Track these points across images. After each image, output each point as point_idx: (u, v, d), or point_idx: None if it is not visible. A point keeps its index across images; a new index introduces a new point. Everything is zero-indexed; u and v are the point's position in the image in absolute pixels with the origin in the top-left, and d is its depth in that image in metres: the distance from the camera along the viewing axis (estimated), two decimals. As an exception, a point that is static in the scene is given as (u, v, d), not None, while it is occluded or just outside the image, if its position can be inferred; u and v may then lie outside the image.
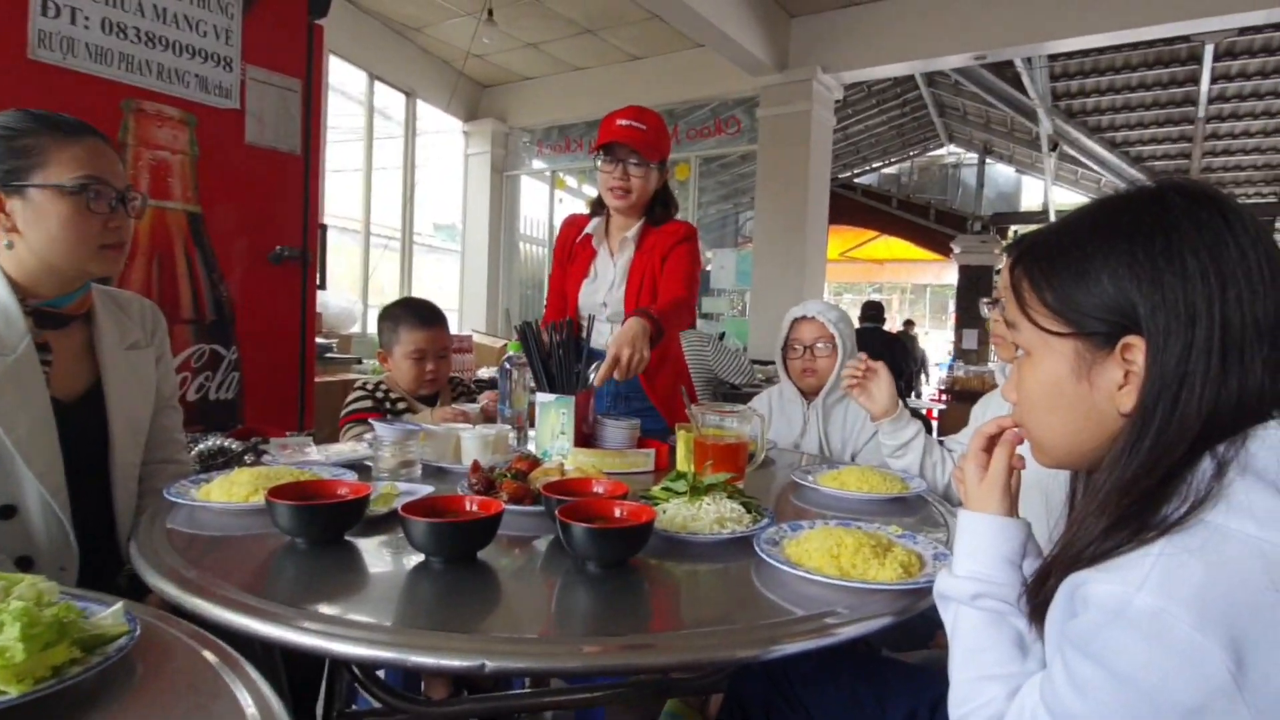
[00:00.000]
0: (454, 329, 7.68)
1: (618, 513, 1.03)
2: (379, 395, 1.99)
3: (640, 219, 2.02)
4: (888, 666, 1.11)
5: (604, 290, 2.02)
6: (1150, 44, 6.53)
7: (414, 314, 2.00)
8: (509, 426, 1.64)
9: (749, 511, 1.16)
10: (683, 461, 1.57)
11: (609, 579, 0.96)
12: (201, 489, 1.22)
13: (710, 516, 1.10)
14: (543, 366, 1.63)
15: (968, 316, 10.10)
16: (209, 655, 0.73)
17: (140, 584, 0.95)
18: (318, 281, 2.63)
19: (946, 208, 11.92)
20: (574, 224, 2.12)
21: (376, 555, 1.03)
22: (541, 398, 1.59)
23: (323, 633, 0.78)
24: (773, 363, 2.37)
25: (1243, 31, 6.09)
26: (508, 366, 1.70)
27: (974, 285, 10.14)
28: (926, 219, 11.69)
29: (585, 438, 1.64)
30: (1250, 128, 8.35)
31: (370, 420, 1.42)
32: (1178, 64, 7.14)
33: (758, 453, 1.52)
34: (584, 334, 1.67)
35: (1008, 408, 0.82)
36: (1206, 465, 0.61)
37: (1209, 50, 6.46)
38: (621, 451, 1.58)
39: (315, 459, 1.46)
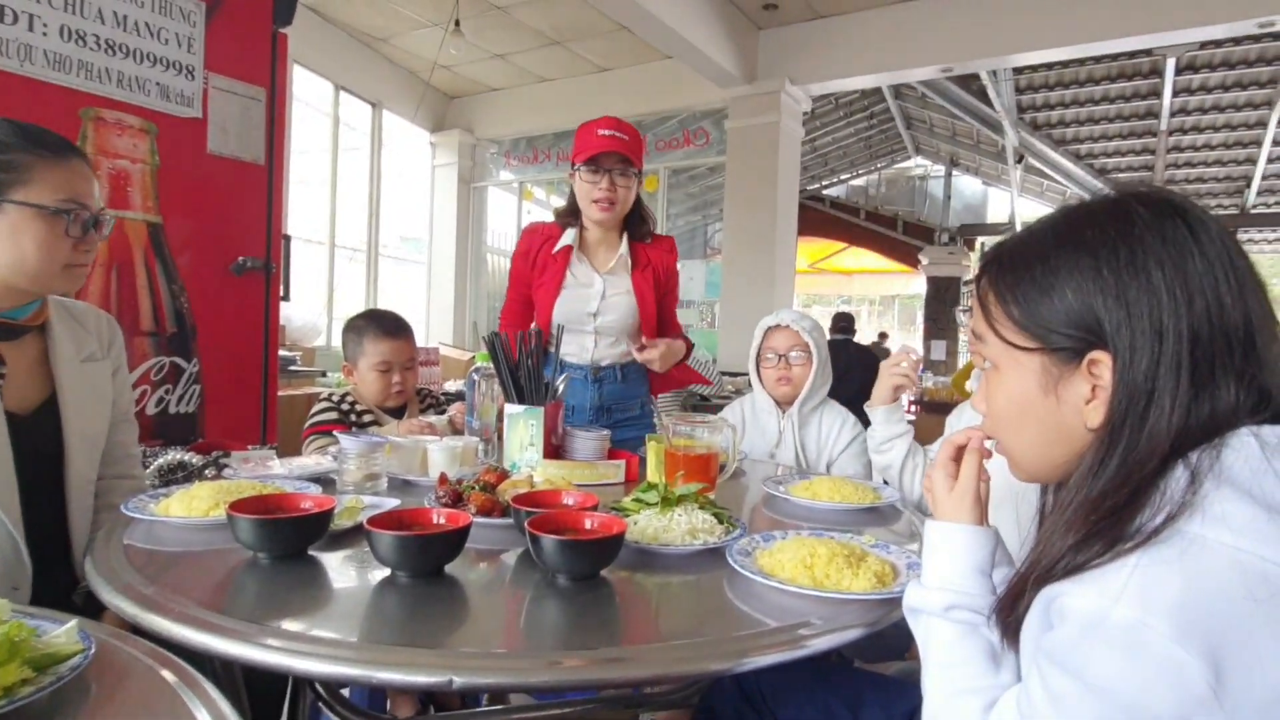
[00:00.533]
0: (421, 341, 7.60)
1: (588, 524, 1.02)
2: (344, 408, 1.95)
3: (621, 231, 2.02)
4: (861, 679, 1.11)
5: (594, 300, 1.98)
6: (1113, 57, 6.73)
7: (378, 325, 1.96)
8: (477, 438, 1.62)
9: (721, 522, 1.15)
10: (653, 473, 1.56)
11: (579, 592, 0.95)
12: (160, 503, 1.18)
13: (682, 528, 1.10)
14: (511, 377, 1.62)
15: (936, 327, 10.26)
16: (167, 674, 0.71)
17: (96, 602, 0.92)
18: (281, 293, 2.58)
19: (914, 219, 12.13)
20: (539, 233, 2.06)
21: (341, 570, 1.01)
22: (510, 409, 1.58)
23: (285, 650, 0.76)
24: (743, 374, 2.39)
25: (1203, 46, 6.29)
26: (475, 378, 1.68)
27: (942, 296, 10.31)
28: (894, 230, 11.89)
29: (554, 449, 1.62)
30: (1211, 140, 8.62)
31: (334, 433, 1.39)
32: (1140, 77, 7.36)
33: (729, 463, 1.52)
34: (554, 345, 1.66)
35: (980, 418, 0.83)
36: (1180, 473, 0.61)
37: (1170, 64, 6.66)
38: (591, 463, 1.57)
39: (278, 472, 1.43)
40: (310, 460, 1.52)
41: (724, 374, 4.73)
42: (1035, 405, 0.71)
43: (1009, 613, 0.70)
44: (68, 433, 1.26)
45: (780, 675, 1.08)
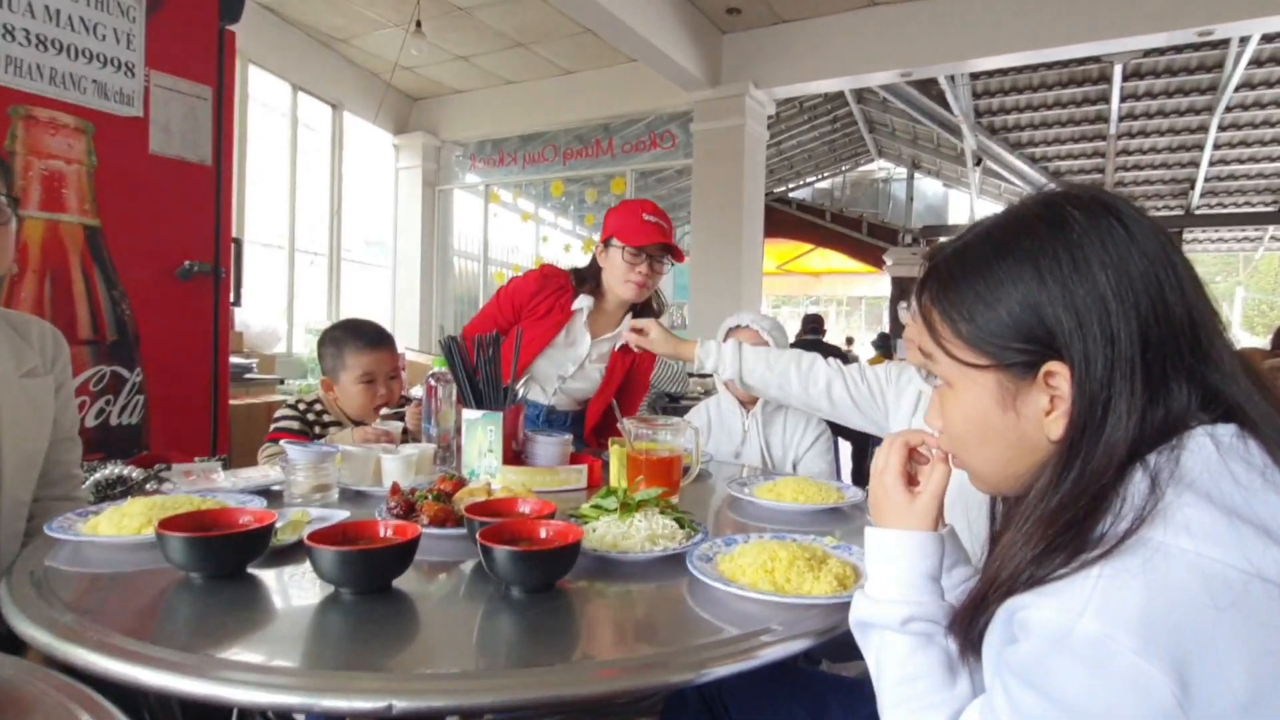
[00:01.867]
0: (387, 346, 7.47)
1: (543, 533, 0.98)
2: (310, 417, 1.88)
3: (627, 310, 2.09)
4: (825, 682, 1.09)
5: (570, 364, 2.05)
6: (1065, 64, 6.88)
7: (360, 336, 1.88)
8: (432, 446, 1.57)
9: (682, 527, 1.12)
10: (616, 477, 1.52)
11: (535, 604, 0.91)
12: (89, 522, 1.12)
13: (641, 534, 1.06)
14: (469, 382, 1.57)
15: (901, 327, 10.39)
16: (83, 714, 0.65)
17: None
18: (233, 298, 2.50)
19: (879, 221, 12.29)
20: (554, 279, 2.05)
21: (282, 589, 0.96)
22: (468, 414, 1.53)
23: (219, 679, 0.70)
24: (711, 375, 2.37)
25: (1147, 53, 6.47)
26: (432, 383, 1.63)
27: (906, 295, 10.42)
28: (859, 232, 12.02)
29: (515, 455, 1.58)
30: (1157, 144, 8.87)
31: (283, 443, 1.34)
32: (1090, 83, 7.55)
33: (693, 466, 1.49)
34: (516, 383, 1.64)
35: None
36: (1139, 478, 0.59)
37: (1118, 70, 6.84)
38: (552, 469, 1.53)
39: (222, 486, 1.36)
40: (257, 472, 1.45)
41: (693, 375, 4.71)
42: (994, 422, 0.69)
43: (968, 626, 0.68)
44: (2, 451, 1.19)
45: (742, 682, 1.05)
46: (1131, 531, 0.57)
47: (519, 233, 8.16)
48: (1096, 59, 6.63)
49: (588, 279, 2.03)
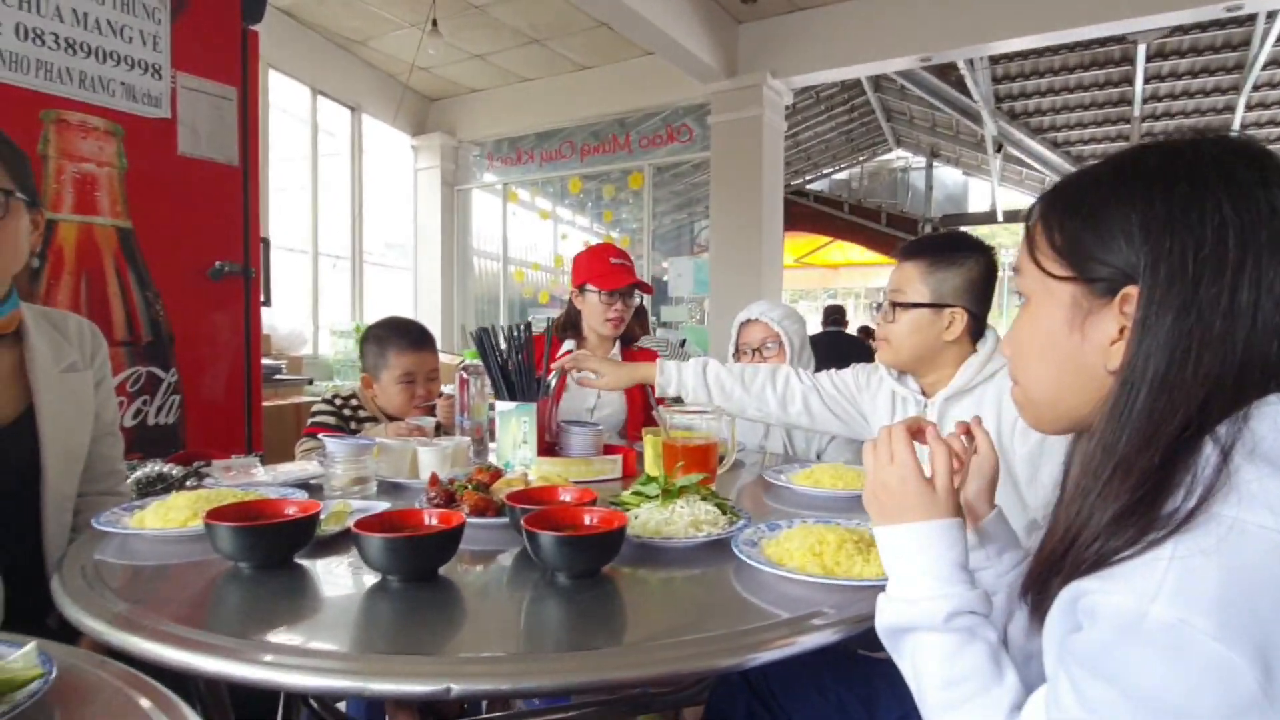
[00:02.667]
0: (409, 346, 7.52)
1: (587, 520, 0.98)
2: (345, 412, 1.91)
3: (614, 340, 2.25)
4: (872, 669, 1.07)
5: (591, 399, 2.18)
6: (1086, 45, 6.76)
7: (403, 337, 1.90)
8: (468, 438, 1.57)
9: (724, 513, 1.11)
10: (651, 466, 1.51)
11: (581, 590, 0.90)
12: (135, 516, 1.13)
13: (684, 520, 1.05)
14: (501, 373, 1.56)
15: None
16: (141, 699, 0.65)
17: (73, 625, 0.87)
18: (262, 298, 2.52)
19: (898, 211, 12.17)
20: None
21: (330, 577, 0.96)
22: (501, 406, 1.52)
23: (272, 664, 0.71)
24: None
25: (1172, 32, 6.33)
26: (464, 375, 1.63)
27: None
28: (878, 223, 11.91)
29: (548, 446, 1.57)
30: (1183, 125, 8.69)
31: (322, 436, 1.34)
32: (1112, 64, 7.41)
33: (728, 453, 1.48)
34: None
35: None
36: (1209, 451, 0.56)
37: (1141, 50, 6.70)
38: (587, 459, 1.52)
39: (262, 480, 1.37)
40: (295, 466, 1.46)
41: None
42: (1059, 340, 0.66)
43: (1042, 588, 0.64)
44: (45, 446, 1.20)
45: (789, 670, 1.03)
46: (1202, 507, 0.54)
47: (538, 231, 8.17)
48: (1120, 39, 6.50)
49: (569, 325, 2.24)
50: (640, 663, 0.73)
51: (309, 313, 6.44)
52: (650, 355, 2.28)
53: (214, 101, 2.35)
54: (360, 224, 7.13)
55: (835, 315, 5.84)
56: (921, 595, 0.71)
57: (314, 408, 1.92)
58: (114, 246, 2.14)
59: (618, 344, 2.26)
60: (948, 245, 1.45)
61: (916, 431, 0.80)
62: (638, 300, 2.19)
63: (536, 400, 1.51)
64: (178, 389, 2.26)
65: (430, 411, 2.02)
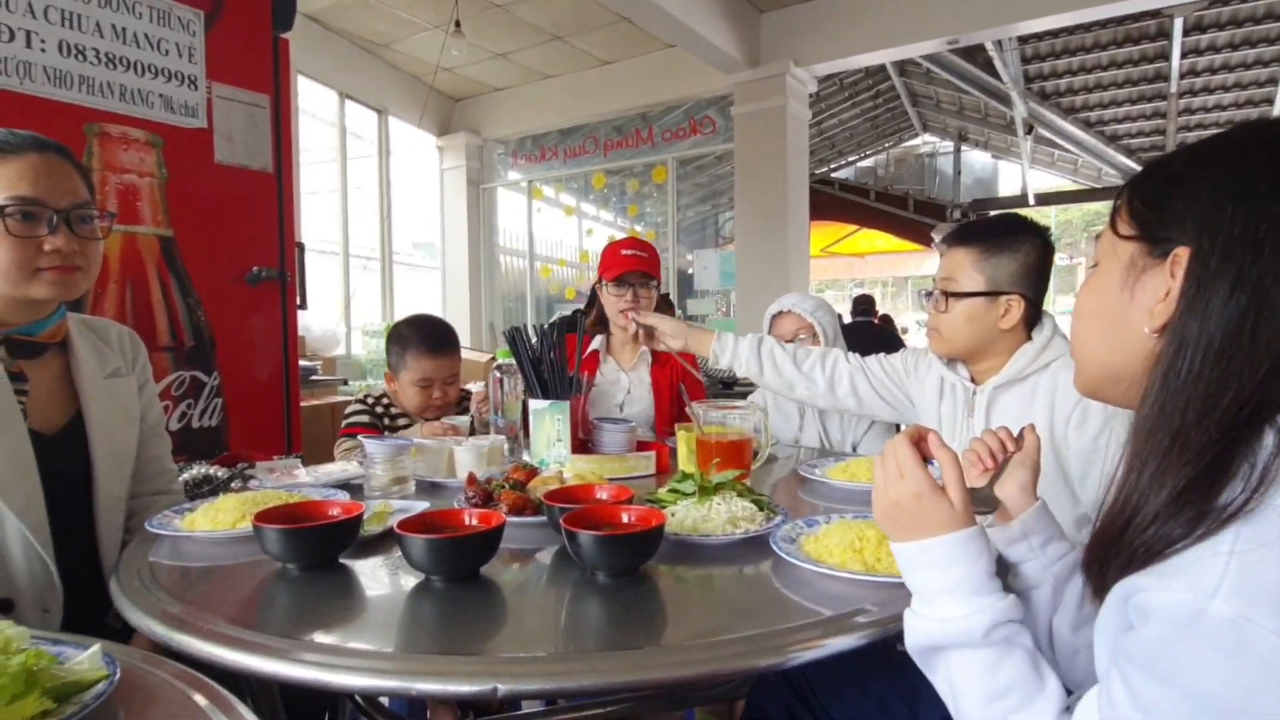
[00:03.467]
0: (440, 345, 7.60)
1: (626, 518, 0.98)
2: (378, 410, 1.95)
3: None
4: (912, 666, 1.06)
5: (620, 395, 2.17)
6: (1119, 21, 6.58)
7: (423, 341, 1.91)
8: (503, 437, 1.58)
9: (761, 509, 1.11)
10: (685, 462, 1.52)
11: (620, 589, 0.91)
12: (186, 518, 1.16)
13: (722, 517, 1.06)
14: (534, 372, 1.58)
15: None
16: (198, 697, 0.68)
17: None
18: (298, 301, 2.56)
19: (925, 197, 11.98)
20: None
21: (373, 577, 0.98)
22: (535, 405, 1.54)
23: (321, 664, 0.73)
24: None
25: (1211, 3, 6.14)
26: (498, 374, 1.64)
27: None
28: (905, 210, 11.75)
29: (582, 443, 1.59)
30: (1223, 100, 8.43)
31: (360, 437, 1.37)
32: (1147, 40, 7.20)
33: (762, 448, 1.48)
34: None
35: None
36: (1269, 440, 0.55)
37: (1178, 24, 6.50)
38: (621, 455, 1.53)
39: (304, 480, 1.40)
40: (336, 467, 1.49)
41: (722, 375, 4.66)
42: (1110, 298, 0.66)
43: (1100, 568, 0.62)
44: (95, 451, 1.23)
45: (829, 666, 1.03)
46: (1258, 495, 0.53)
47: (563, 227, 8.20)
48: (1155, 13, 6.30)
49: (600, 321, 2.23)
50: (682, 662, 0.74)
51: (341, 313, 6.54)
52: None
53: (248, 110, 2.39)
54: (389, 225, 7.22)
55: (865, 305, 5.77)
56: (956, 613, 0.69)
57: (348, 408, 1.96)
58: (156, 255, 2.19)
59: (642, 348, 2.19)
60: (1002, 229, 1.39)
61: (918, 440, 0.77)
62: (655, 291, 2.14)
63: (570, 398, 1.52)
64: (220, 392, 2.32)
65: (463, 410, 2.05)
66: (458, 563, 0.91)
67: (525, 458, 1.59)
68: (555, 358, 1.57)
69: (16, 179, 1.12)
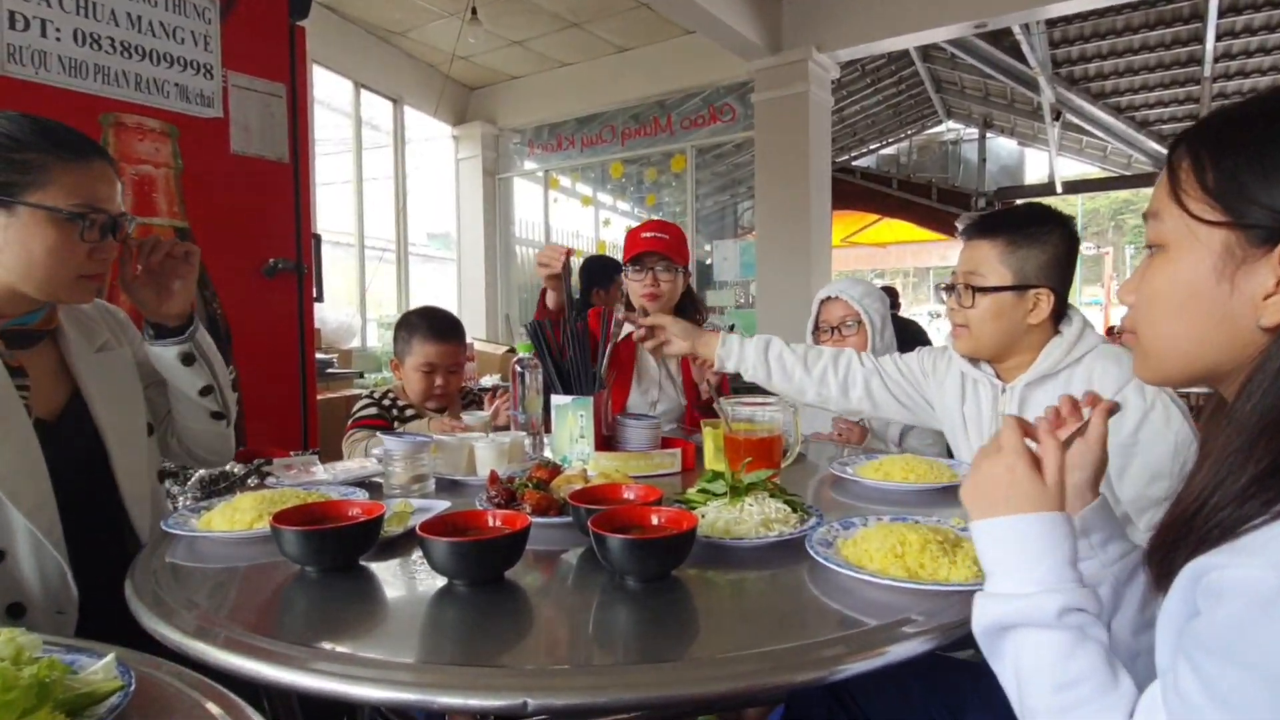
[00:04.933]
0: (457, 336, 7.60)
1: (655, 520, 0.94)
2: (385, 403, 1.95)
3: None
4: (956, 672, 1.02)
5: (654, 390, 2.10)
6: (1151, 2, 6.41)
7: (429, 327, 1.95)
8: (524, 433, 1.55)
9: (795, 510, 1.07)
10: (712, 460, 1.48)
11: (650, 595, 0.87)
12: (202, 518, 1.13)
13: (755, 519, 1.01)
14: (556, 367, 1.54)
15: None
16: (213, 708, 0.65)
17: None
18: (315, 294, 2.54)
19: (949, 186, 11.80)
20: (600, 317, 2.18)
21: (394, 581, 0.95)
22: (557, 400, 1.50)
23: (339, 674, 0.69)
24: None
25: (1249, -17, 5.96)
26: (519, 369, 1.61)
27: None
28: (929, 199, 11.57)
29: (605, 440, 1.55)
30: (1259, 84, 8.19)
31: (379, 433, 1.34)
32: (1180, 22, 7.01)
33: (792, 446, 1.43)
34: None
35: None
36: None
37: (1213, 5, 6.32)
38: (646, 453, 1.49)
39: (322, 478, 1.37)
40: (355, 464, 1.46)
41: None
42: (1203, 292, 0.60)
43: (1165, 556, 0.59)
44: (102, 426, 1.20)
45: (871, 674, 0.99)
46: None
47: (580, 217, 8.16)
48: (1188, -6, 6.15)
49: (627, 308, 2.11)
50: (720, 676, 0.70)
51: (356, 306, 6.54)
52: (713, 335, 2.24)
53: (264, 99, 2.36)
54: (404, 215, 7.21)
55: (890, 298, 5.67)
56: (1030, 589, 0.66)
57: (358, 403, 1.97)
58: (172, 247, 2.17)
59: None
60: (1028, 220, 1.34)
61: (1027, 430, 0.75)
62: (679, 276, 2.04)
63: (594, 394, 1.48)
64: (236, 386, 2.29)
65: (477, 404, 2.04)
66: (482, 566, 0.87)
67: (547, 454, 1.55)
68: (578, 353, 1.53)
69: (85, 186, 1.12)
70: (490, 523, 0.94)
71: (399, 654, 0.75)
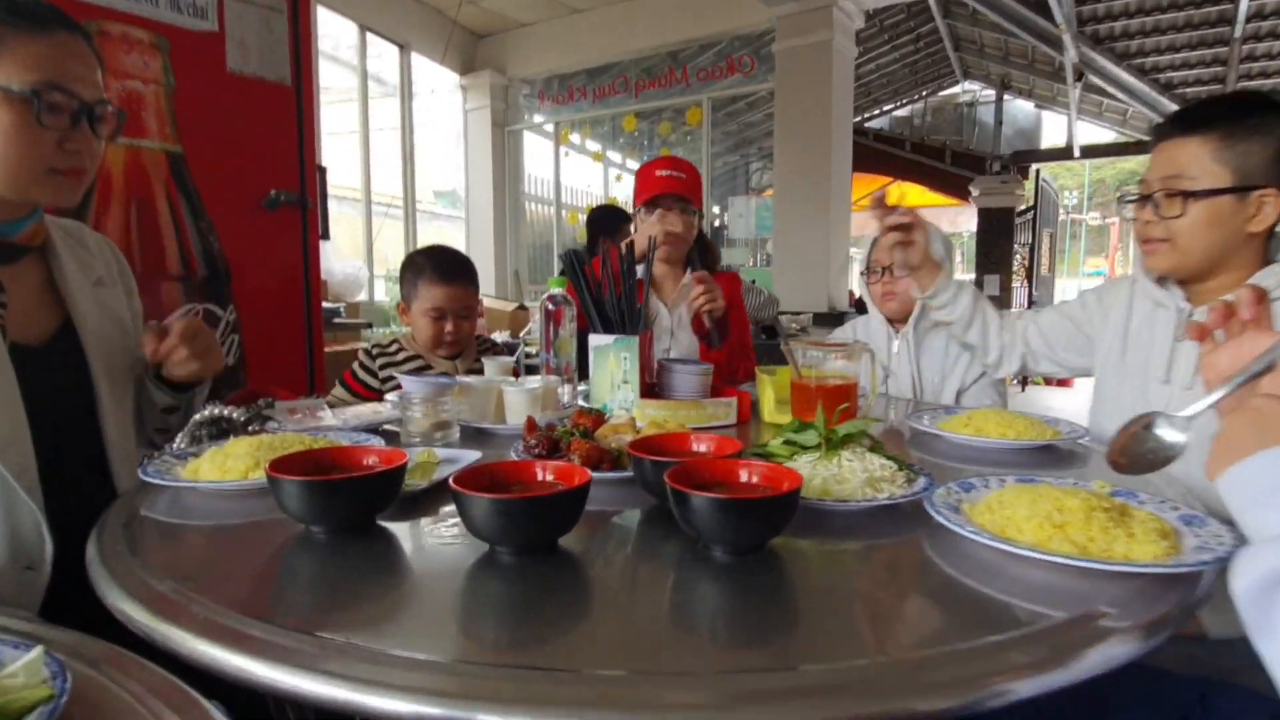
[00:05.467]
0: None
1: (746, 476, 0.76)
2: (375, 351, 1.79)
3: (685, 266, 1.96)
4: (1177, 686, 0.83)
5: (665, 337, 1.96)
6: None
7: (435, 268, 1.76)
8: (556, 378, 1.36)
9: (900, 468, 0.88)
10: (772, 413, 1.29)
11: (745, 571, 0.69)
12: (189, 465, 0.95)
13: (859, 477, 0.83)
14: (595, 303, 1.35)
15: (988, 262, 9.76)
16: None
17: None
18: (320, 230, 2.34)
19: (963, 149, 11.47)
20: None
21: (420, 547, 0.77)
22: (596, 340, 1.31)
23: (352, 678, 0.51)
24: (804, 312, 2.13)
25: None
26: (551, 306, 1.41)
27: (995, 228, 9.75)
28: (942, 161, 11.26)
29: (648, 387, 1.36)
30: (1287, 48, 7.87)
31: (399, 376, 1.16)
32: (1212, -21, 6.68)
33: (869, 396, 1.24)
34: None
35: None
36: None
37: (1250, -39, 6.00)
38: (697, 402, 1.30)
39: (330, 424, 1.19)
40: (367, 409, 1.28)
41: (783, 314, 4.40)
42: None
43: None
44: (93, 365, 1.07)
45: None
46: None
47: (591, 173, 7.89)
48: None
49: (628, 251, 1.92)
50: (869, 691, 0.51)
51: (364, 258, 6.32)
52: (731, 278, 2.05)
53: (263, 14, 2.13)
54: (411, 168, 6.95)
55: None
56: None
57: (357, 353, 1.82)
58: (164, 172, 1.96)
59: (688, 273, 1.94)
60: (1245, 109, 1.12)
61: None
62: (695, 218, 1.90)
63: (639, 333, 1.29)
64: (236, 328, 2.11)
65: (509, 350, 1.87)
66: (536, 530, 0.69)
67: (582, 403, 1.37)
68: (621, 287, 1.34)
69: (46, 61, 0.95)
70: (541, 476, 0.76)
71: (429, 648, 0.56)
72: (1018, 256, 9.87)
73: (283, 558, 0.74)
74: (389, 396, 1.37)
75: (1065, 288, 13.67)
